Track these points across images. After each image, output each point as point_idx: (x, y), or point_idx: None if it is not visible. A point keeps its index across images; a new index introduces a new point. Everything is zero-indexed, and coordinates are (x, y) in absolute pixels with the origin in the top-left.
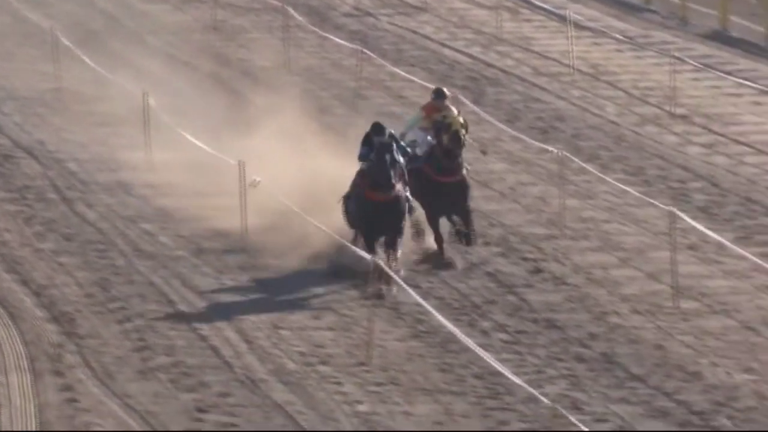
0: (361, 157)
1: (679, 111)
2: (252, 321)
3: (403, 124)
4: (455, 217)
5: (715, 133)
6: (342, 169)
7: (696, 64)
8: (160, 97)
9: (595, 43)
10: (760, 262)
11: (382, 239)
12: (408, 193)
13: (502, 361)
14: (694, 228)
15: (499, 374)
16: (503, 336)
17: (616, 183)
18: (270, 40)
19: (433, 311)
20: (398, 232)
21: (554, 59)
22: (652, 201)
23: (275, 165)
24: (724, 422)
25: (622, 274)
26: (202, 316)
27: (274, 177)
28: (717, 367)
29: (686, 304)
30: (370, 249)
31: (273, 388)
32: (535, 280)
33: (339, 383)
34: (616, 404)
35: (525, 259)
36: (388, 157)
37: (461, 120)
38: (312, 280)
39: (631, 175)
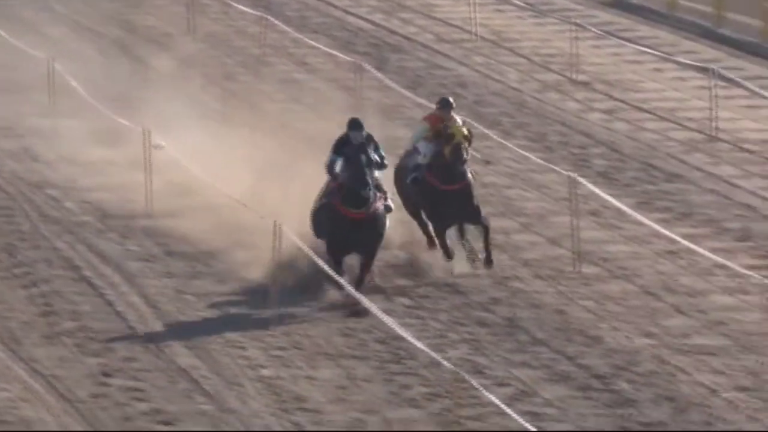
0: (329, 167)
1: (581, 78)
2: (156, 286)
3: (409, 139)
4: (467, 237)
5: (616, 99)
6: (246, 135)
7: (597, 31)
8: (65, 64)
9: (498, 10)
10: (659, 228)
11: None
12: (388, 200)
13: (404, 325)
14: (594, 193)
15: (402, 339)
16: (406, 301)
17: (517, 149)
18: (174, 7)
19: (337, 276)
20: (372, 254)
21: (457, 26)
22: (553, 167)
23: (180, 130)
24: (623, 386)
25: (523, 239)
26: (107, 282)
27: (178, 142)
28: (617, 332)
29: (587, 269)
30: (338, 267)
31: (177, 353)
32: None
33: (243, 348)
34: (518, 368)
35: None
36: (363, 158)
37: (465, 131)
38: (217, 245)
39: (533, 141)
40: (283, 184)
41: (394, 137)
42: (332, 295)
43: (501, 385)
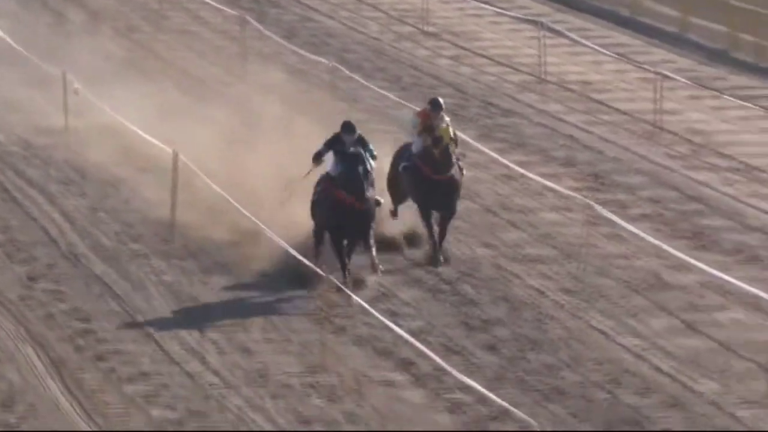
0: (317, 156)
1: (431, 29)
2: (74, 204)
3: (400, 126)
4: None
5: (461, 47)
6: (150, 79)
7: None
8: None
9: None
10: (496, 156)
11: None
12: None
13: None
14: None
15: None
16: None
17: (377, 89)
18: None
19: (229, 198)
20: (368, 235)
21: None
22: (407, 104)
23: (92, 74)
24: (467, 289)
25: (382, 167)
26: (32, 201)
27: (90, 84)
28: (462, 243)
29: None
30: (340, 253)
31: (92, 262)
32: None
33: (147, 258)
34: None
35: None
36: (360, 168)
37: (452, 134)
38: (123, 171)
39: (390, 83)
40: (184, 122)
41: (272, 83)
42: (226, 215)
43: (365, 289)
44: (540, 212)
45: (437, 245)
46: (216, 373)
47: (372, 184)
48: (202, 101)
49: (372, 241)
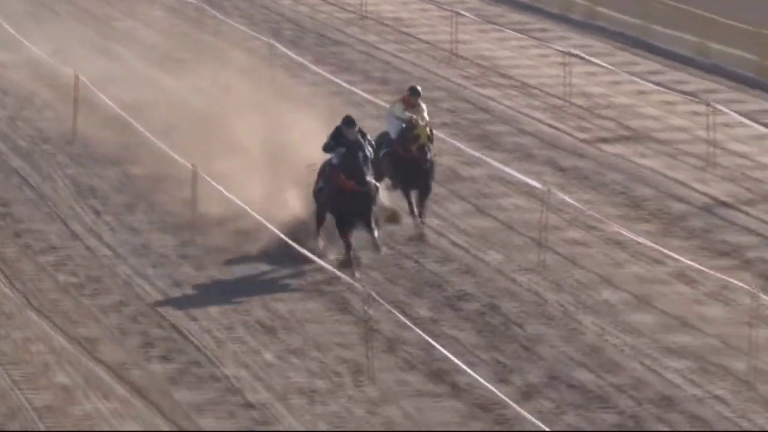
0: (327, 148)
1: None
2: None
3: (387, 116)
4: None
5: None
6: (59, 20)
7: None
8: None
9: None
10: (330, 76)
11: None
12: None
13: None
14: (287, 54)
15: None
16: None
17: (234, 24)
18: None
19: (119, 110)
20: (370, 217)
21: None
22: (257, 35)
23: (11, 15)
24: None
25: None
26: None
27: (11, 23)
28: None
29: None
30: (344, 235)
31: (11, 159)
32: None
33: (54, 156)
34: None
35: None
36: (360, 154)
37: (428, 132)
38: (37, 89)
39: (245, 19)
40: (86, 52)
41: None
42: (119, 123)
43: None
44: (363, 120)
45: (417, 217)
46: (109, 247)
47: (370, 169)
48: (100, 35)
49: (373, 223)
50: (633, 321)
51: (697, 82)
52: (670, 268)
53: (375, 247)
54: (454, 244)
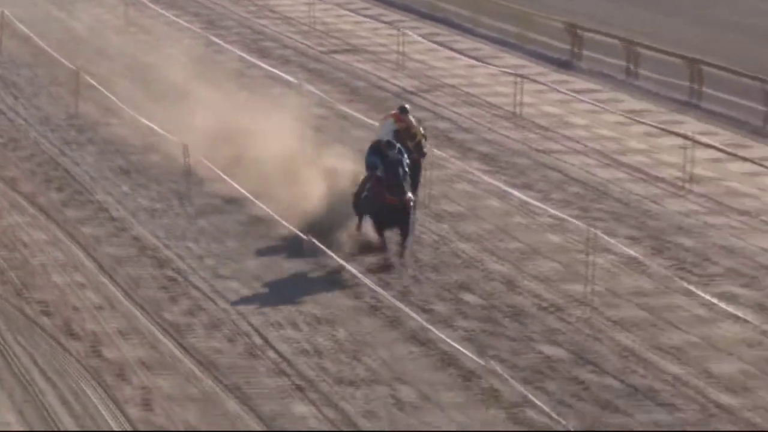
0: (372, 165)
1: None
2: None
3: (381, 130)
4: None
5: None
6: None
7: None
8: None
9: None
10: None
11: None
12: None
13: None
14: (148, 6)
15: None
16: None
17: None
18: None
19: (31, 34)
20: (407, 225)
21: None
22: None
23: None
24: None
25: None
26: None
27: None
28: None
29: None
30: (381, 233)
31: None
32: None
33: None
34: None
35: None
36: (401, 171)
37: (422, 131)
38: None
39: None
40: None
41: None
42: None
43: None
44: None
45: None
46: (24, 119)
47: (408, 183)
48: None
49: (409, 231)
50: None
51: (393, 17)
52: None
53: (401, 251)
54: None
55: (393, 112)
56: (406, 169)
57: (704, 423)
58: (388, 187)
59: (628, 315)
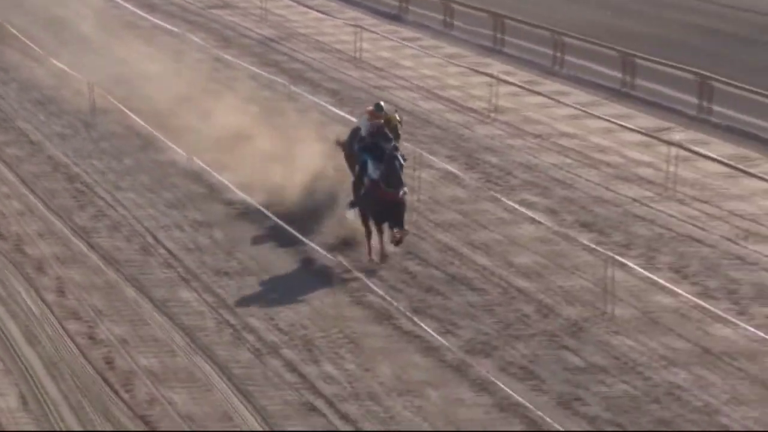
0: (364, 164)
1: None
2: None
3: (359, 122)
4: None
5: None
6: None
7: None
8: None
9: None
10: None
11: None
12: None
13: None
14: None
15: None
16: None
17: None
18: None
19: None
20: (402, 218)
21: None
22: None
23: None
24: None
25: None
26: None
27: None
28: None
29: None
30: (380, 228)
31: None
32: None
33: None
34: None
35: None
36: (398, 164)
37: (398, 118)
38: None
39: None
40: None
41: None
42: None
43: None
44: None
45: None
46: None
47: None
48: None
49: (404, 222)
50: None
51: None
52: (240, 72)
53: (393, 241)
54: None
55: (369, 108)
56: (402, 162)
57: (507, 302)
58: (387, 180)
59: (447, 218)
